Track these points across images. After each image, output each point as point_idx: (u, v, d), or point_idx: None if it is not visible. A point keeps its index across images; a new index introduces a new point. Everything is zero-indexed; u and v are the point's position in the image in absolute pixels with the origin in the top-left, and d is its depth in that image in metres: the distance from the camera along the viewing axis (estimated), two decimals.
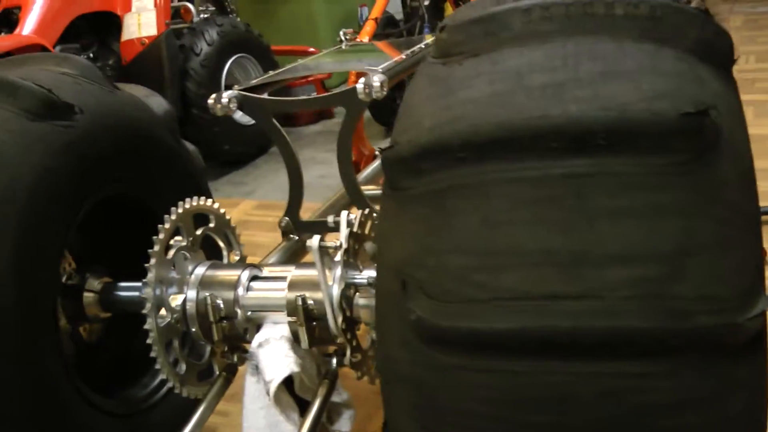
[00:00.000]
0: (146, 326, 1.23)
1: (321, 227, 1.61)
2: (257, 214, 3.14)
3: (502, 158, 0.78)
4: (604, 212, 0.74)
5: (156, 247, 1.24)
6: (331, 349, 1.30)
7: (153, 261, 1.24)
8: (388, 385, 0.90)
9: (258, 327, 1.32)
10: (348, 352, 1.20)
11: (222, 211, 1.41)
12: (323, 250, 1.18)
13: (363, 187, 1.98)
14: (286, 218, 1.58)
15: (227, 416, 1.71)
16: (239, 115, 3.74)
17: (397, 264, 0.85)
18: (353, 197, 1.53)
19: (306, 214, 1.61)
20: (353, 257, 1.21)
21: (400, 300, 0.84)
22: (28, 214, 1.17)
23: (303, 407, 1.28)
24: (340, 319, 1.17)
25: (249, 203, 3.31)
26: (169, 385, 1.29)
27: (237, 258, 1.45)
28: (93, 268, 1.46)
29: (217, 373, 1.36)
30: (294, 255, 1.57)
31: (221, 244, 1.42)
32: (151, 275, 1.23)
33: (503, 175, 0.78)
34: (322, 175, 3.33)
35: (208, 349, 1.35)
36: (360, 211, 1.25)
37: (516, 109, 0.78)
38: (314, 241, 1.18)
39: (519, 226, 0.77)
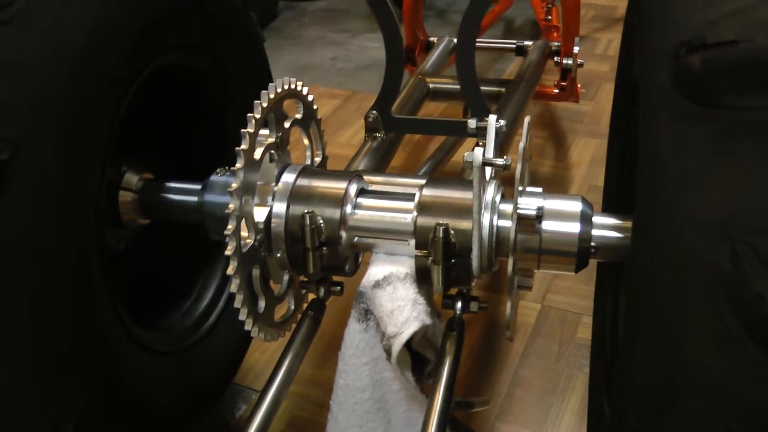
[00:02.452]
0: (227, 251, 0.89)
1: (419, 126, 1.29)
2: None
3: None
4: None
5: (244, 144, 0.90)
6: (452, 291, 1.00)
7: (241, 162, 0.89)
8: (670, 392, 0.60)
9: (357, 257, 1.01)
10: (509, 307, 0.90)
11: (311, 98, 1.06)
12: (485, 167, 0.86)
13: (429, 80, 1.66)
14: (375, 112, 1.24)
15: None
16: None
17: (716, 221, 0.57)
18: (471, 100, 1.19)
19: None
20: (522, 181, 0.90)
21: (721, 276, 0.56)
22: (79, 76, 0.82)
23: (414, 363, 1.00)
24: (510, 266, 0.86)
25: None
26: (242, 319, 0.95)
27: (319, 160, 1.11)
28: (130, 160, 1.11)
29: (293, 308, 1.06)
30: (383, 159, 1.24)
31: (306, 141, 1.08)
32: (237, 182, 0.89)
33: None
34: (333, 57, 2.93)
35: (285, 278, 1.03)
36: (526, 120, 0.92)
37: None
38: (477, 155, 0.85)
39: None
